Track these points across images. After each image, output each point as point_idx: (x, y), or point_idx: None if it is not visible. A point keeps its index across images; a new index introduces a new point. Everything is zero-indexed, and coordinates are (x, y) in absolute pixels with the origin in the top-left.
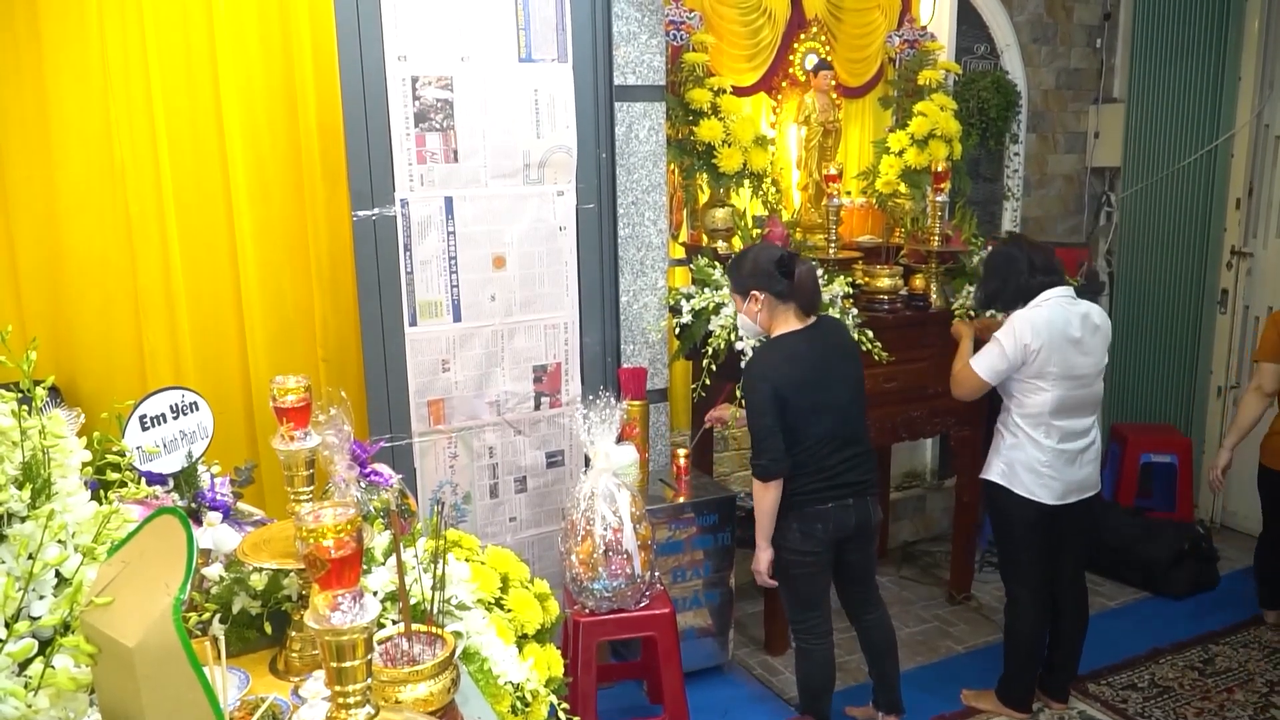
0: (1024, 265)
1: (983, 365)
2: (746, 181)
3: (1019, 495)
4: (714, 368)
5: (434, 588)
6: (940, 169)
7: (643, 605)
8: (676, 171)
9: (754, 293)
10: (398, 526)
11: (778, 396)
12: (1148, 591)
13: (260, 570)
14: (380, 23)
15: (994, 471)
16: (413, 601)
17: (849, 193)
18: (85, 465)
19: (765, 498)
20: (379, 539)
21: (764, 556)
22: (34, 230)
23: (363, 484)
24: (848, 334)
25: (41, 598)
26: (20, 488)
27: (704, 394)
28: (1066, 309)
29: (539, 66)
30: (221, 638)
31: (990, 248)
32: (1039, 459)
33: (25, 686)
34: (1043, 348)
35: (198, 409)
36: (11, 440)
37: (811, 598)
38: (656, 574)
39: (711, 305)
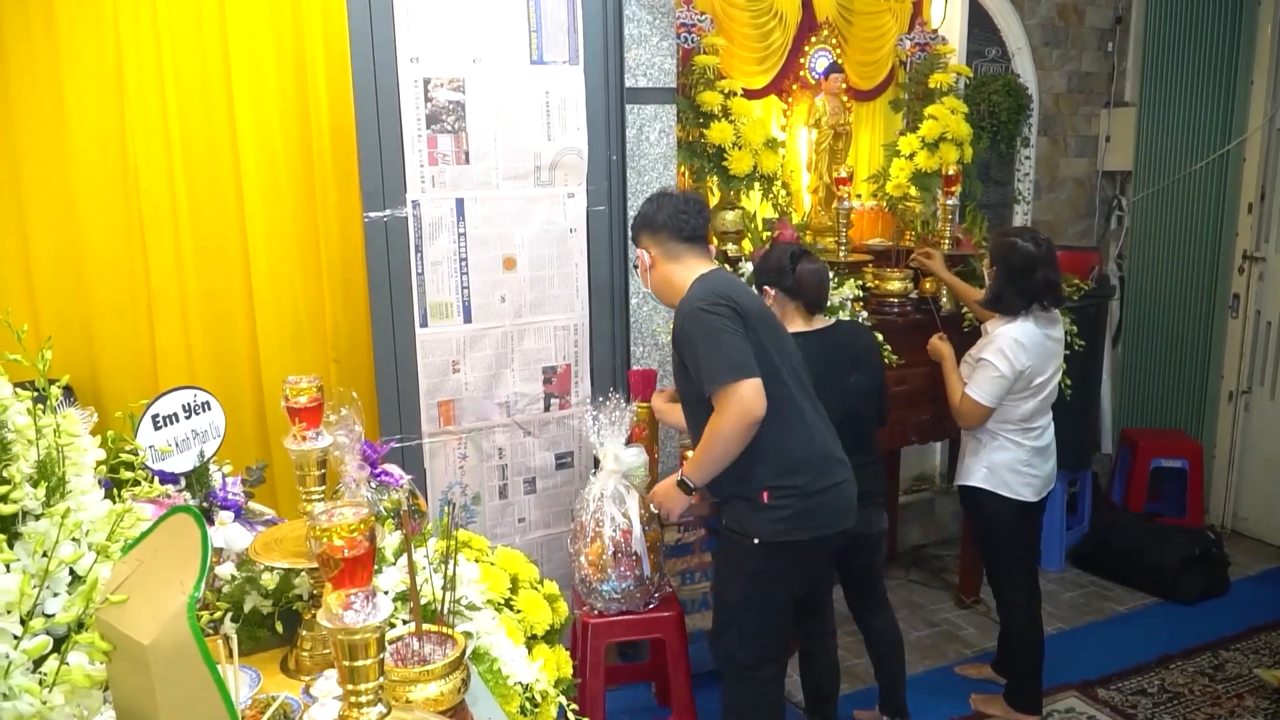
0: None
1: (984, 393)
2: (757, 184)
3: (1004, 497)
4: None
5: (444, 588)
6: (951, 172)
7: (651, 607)
8: (687, 174)
9: (765, 288)
10: (408, 527)
11: None
12: (1158, 597)
13: (272, 569)
14: (393, 24)
15: (976, 476)
16: (423, 601)
17: (859, 195)
18: (99, 464)
19: None
20: (389, 539)
21: None
22: (49, 231)
23: (373, 484)
24: (865, 341)
25: (56, 595)
26: (35, 486)
27: None
28: (1045, 324)
29: (550, 69)
30: (233, 636)
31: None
32: (1020, 458)
33: (40, 683)
34: (1032, 364)
35: (210, 409)
36: (27, 439)
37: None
38: (665, 576)
39: None
